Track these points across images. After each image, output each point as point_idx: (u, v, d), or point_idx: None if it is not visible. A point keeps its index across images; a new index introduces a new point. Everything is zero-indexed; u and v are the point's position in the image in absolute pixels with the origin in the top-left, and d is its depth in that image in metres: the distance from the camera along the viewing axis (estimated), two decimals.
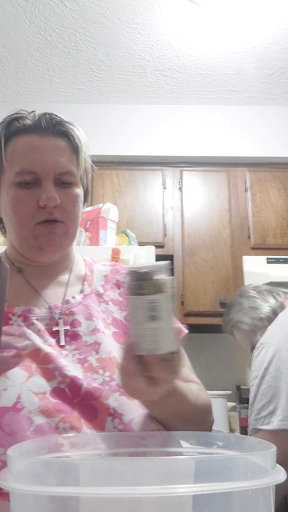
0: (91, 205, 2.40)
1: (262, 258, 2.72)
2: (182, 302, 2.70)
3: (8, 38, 2.55)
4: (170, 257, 2.84)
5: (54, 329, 0.85)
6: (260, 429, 1.26)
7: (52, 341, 0.84)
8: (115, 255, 2.15)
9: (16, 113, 0.91)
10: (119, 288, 0.98)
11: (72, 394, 0.76)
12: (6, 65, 2.76)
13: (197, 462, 0.47)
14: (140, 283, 0.62)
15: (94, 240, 2.25)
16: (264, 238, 2.84)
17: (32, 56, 2.68)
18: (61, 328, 0.85)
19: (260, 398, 1.30)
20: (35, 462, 0.51)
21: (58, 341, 0.84)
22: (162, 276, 0.62)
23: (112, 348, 0.86)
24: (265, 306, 1.60)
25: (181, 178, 2.97)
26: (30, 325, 0.84)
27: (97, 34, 2.53)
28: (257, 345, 1.41)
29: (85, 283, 0.95)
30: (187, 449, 0.67)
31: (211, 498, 0.46)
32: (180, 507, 0.45)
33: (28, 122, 0.90)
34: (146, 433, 0.74)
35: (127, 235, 2.46)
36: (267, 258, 2.71)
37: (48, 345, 0.82)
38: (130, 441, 0.69)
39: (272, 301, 1.62)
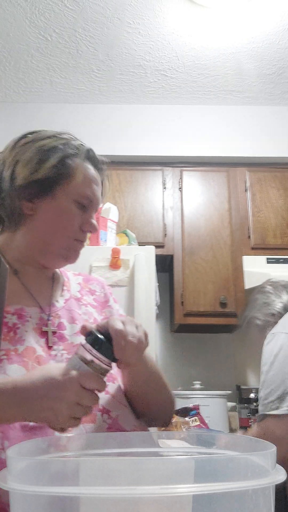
0: None
1: (262, 258, 2.72)
2: (182, 302, 2.70)
3: (8, 38, 2.55)
4: (170, 257, 2.85)
5: (44, 330, 0.89)
6: (268, 415, 1.26)
7: (42, 341, 0.88)
8: (115, 255, 2.15)
9: (82, 144, 0.98)
10: (92, 295, 1.06)
11: None
12: (6, 65, 2.76)
13: (197, 462, 0.47)
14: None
15: (94, 240, 2.25)
16: (264, 238, 2.83)
17: (32, 56, 2.68)
18: (50, 329, 0.90)
19: (268, 384, 1.31)
20: (35, 462, 0.51)
21: (47, 341, 0.88)
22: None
23: None
24: (278, 302, 1.60)
25: (181, 178, 2.96)
26: (25, 322, 0.88)
27: (97, 34, 2.53)
28: (268, 335, 1.43)
29: (64, 288, 1.02)
30: (187, 449, 0.67)
31: (211, 498, 0.46)
32: (180, 507, 0.45)
33: (92, 154, 0.99)
34: (145, 433, 0.74)
35: (127, 235, 2.46)
36: (267, 258, 2.71)
37: (39, 346, 0.86)
38: (130, 441, 0.70)
39: (285, 297, 1.61)
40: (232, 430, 2.55)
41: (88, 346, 0.74)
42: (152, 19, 2.42)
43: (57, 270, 1.04)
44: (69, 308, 0.97)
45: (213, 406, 2.44)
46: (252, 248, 2.81)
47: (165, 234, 2.83)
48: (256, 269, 2.68)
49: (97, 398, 0.72)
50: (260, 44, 2.60)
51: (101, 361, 0.73)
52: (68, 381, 0.69)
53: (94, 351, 0.73)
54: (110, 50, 2.65)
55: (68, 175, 0.92)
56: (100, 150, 2.97)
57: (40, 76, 2.86)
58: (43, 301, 0.94)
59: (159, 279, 2.43)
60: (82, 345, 0.74)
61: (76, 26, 2.47)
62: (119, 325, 0.76)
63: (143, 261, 2.15)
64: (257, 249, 2.80)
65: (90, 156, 0.96)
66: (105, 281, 1.14)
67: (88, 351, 0.73)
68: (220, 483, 0.44)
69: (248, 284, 2.67)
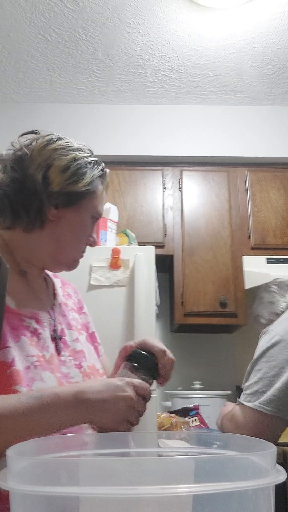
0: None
1: (262, 258, 2.72)
2: (182, 302, 2.70)
3: (8, 38, 2.55)
4: (170, 257, 2.85)
5: (53, 336, 0.92)
6: (242, 404, 1.38)
7: (53, 346, 0.90)
8: (115, 255, 2.15)
9: (100, 162, 1.03)
10: (70, 299, 1.08)
11: None
12: (6, 65, 2.76)
13: (197, 462, 0.47)
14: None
15: None
16: (264, 238, 2.83)
17: (32, 56, 2.68)
18: (57, 336, 0.92)
19: (250, 378, 1.41)
20: (35, 462, 0.51)
21: (56, 347, 0.91)
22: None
23: (90, 355, 0.97)
24: (282, 302, 1.66)
25: (181, 178, 2.96)
26: (43, 327, 0.90)
27: (97, 34, 2.53)
28: (263, 330, 1.51)
29: (55, 292, 1.03)
30: (187, 449, 0.67)
31: (211, 498, 0.46)
32: (180, 507, 0.45)
33: (106, 171, 1.04)
34: (145, 433, 0.74)
35: (127, 235, 2.45)
36: (267, 258, 2.71)
37: (54, 351, 0.90)
38: (130, 441, 0.70)
39: None
40: None
41: (134, 365, 0.82)
42: (152, 19, 2.42)
43: (47, 272, 1.05)
44: (63, 314, 1.00)
45: (213, 406, 2.44)
46: (252, 248, 2.81)
47: (165, 234, 2.83)
48: (256, 269, 2.68)
49: (145, 406, 0.79)
50: (260, 44, 2.60)
51: (147, 378, 0.82)
52: (126, 384, 0.77)
53: (140, 369, 0.82)
54: (110, 50, 2.65)
55: (93, 192, 0.97)
56: (100, 150, 2.98)
57: (40, 76, 2.86)
58: (48, 305, 0.97)
59: (159, 279, 2.43)
60: (129, 363, 0.83)
61: (76, 26, 2.47)
62: (161, 345, 0.87)
63: (143, 261, 2.15)
64: (257, 249, 2.80)
65: (105, 174, 1.01)
66: (78, 286, 1.19)
67: (134, 369, 0.81)
68: (220, 483, 0.44)
69: (248, 284, 2.68)
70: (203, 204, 2.91)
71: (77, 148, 0.97)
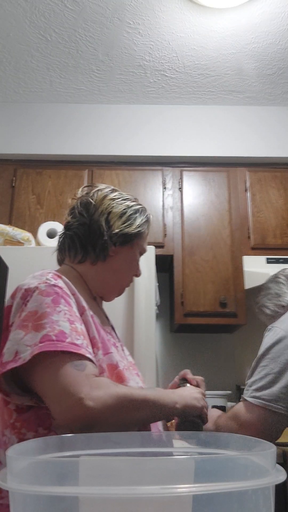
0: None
1: (262, 258, 2.72)
2: (182, 302, 2.70)
3: (8, 39, 2.55)
4: (170, 257, 2.85)
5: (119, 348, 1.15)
6: (247, 401, 1.37)
7: (124, 356, 1.16)
8: None
9: (145, 208, 1.26)
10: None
11: None
12: (6, 65, 2.76)
13: (197, 462, 0.47)
14: None
15: None
16: (264, 238, 2.83)
17: (32, 56, 2.68)
18: (120, 348, 1.17)
19: (255, 374, 1.40)
20: (35, 462, 0.51)
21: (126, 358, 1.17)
22: None
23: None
24: None
25: (181, 178, 2.96)
26: (115, 341, 1.14)
27: (97, 34, 2.53)
28: (268, 327, 1.49)
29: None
30: (187, 449, 0.67)
31: (211, 498, 0.46)
32: (180, 507, 0.45)
33: (150, 216, 1.27)
34: (145, 433, 0.74)
35: None
36: (267, 258, 2.71)
37: (128, 360, 1.17)
38: (130, 441, 0.70)
39: None
40: None
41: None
42: (152, 19, 2.42)
43: None
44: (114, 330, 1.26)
45: (213, 405, 2.44)
46: (252, 248, 2.81)
47: (165, 234, 2.83)
48: (256, 269, 2.68)
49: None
50: (260, 44, 2.60)
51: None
52: (199, 391, 1.08)
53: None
54: (110, 50, 2.65)
55: (142, 233, 1.20)
56: (100, 150, 2.97)
57: (40, 76, 2.86)
58: (108, 323, 1.21)
59: (159, 279, 2.43)
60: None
61: (76, 26, 2.47)
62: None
63: (143, 261, 2.14)
64: (257, 249, 2.80)
65: (149, 219, 1.23)
66: None
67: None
68: (220, 483, 0.44)
69: (248, 284, 2.67)
70: (203, 204, 2.90)
71: (128, 198, 1.20)
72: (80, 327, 0.94)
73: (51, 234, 2.47)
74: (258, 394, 1.35)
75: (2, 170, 2.94)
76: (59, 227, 2.47)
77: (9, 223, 2.76)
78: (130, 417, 0.88)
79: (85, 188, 1.23)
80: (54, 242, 2.42)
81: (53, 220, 2.63)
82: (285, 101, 3.08)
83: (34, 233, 2.51)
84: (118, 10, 2.36)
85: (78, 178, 2.94)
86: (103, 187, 1.21)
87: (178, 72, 2.82)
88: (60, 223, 2.52)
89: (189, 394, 1.03)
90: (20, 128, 3.01)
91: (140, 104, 3.12)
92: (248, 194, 2.92)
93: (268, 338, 1.44)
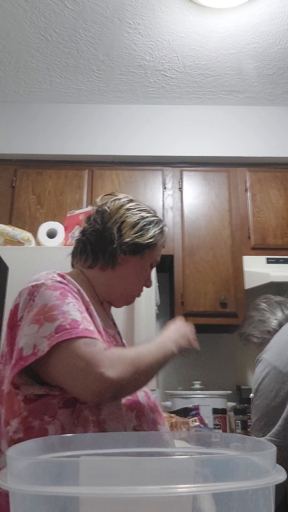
0: (91, 205, 2.40)
1: (262, 258, 2.72)
2: (182, 302, 2.70)
3: (8, 39, 2.55)
4: (170, 257, 2.85)
5: None
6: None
7: None
8: None
9: (161, 220, 1.27)
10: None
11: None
12: (6, 65, 2.76)
13: (197, 462, 0.47)
14: None
15: None
16: (264, 238, 2.83)
17: (32, 56, 2.69)
18: None
19: (255, 412, 1.40)
20: (35, 462, 0.51)
21: None
22: None
23: None
24: (273, 319, 1.65)
25: (181, 178, 2.96)
26: (118, 344, 1.18)
27: (97, 34, 2.53)
28: (257, 357, 1.48)
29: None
30: (187, 449, 0.67)
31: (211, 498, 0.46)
32: (180, 507, 0.45)
33: (165, 227, 1.29)
34: (144, 433, 0.74)
35: None
36: (267, 258, 2.71)
37: None
38: (130, 441, 0.70)
39: (279, 314, 1.67)
40: (232, 430, 2.55)
41: None
42: (152, 19, 2.42)
43: None
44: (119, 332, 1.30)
45: (213, 406, 2.44)
46: (252, 248, 2.81)
47: None
48: (256, 269, 2.68)
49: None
50: (261, 44, 2.60)
51: None
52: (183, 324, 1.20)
53: None
54: (110, 50, 2.65)
55: (154, 245, 1.21)
56: (100, 150, 2.97)
57: (40, 76, 2.86)
58: (114, 326, 1.24)
59: (159, 279, 2.43)
60: None
61: (76, 26, 2.47)
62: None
63: None
64: (257, 249, 2.80)
65: (164, 231, 1.24)
66: None
67: None
68: (220, 483, 0.44)
69: (248, 284, 2.67)
70: (203, 204, 2.90)
71: (144, 209, 1.22)
72: (89, 317, 0.99)
73: (51, 234, 2.47)
74: (260, 433, 1.34)
75: (2, 170, 2.94)
76: (59, 227, 2.47)
77: (9, 223, 2.76)
78: (144, 377, 0.96)
79: (105, 197, 1.27)
80: (54, 242, 2.42)
81: (53, 220, 2.63)
82: (285, 101, 3.09)
83: (34, 233, 2.51)
84: (118, 10, 2.36)
85: (78, 178, 2.94)
86: (121, 197, 1.25)
87: (178, 72, 2.82)
88: (60, 223, 2.52)
89: (179, 335, 1.13)
90: (20, 128, 3.01)
91: (140, 104, 3.12)
92: (248, 194, 2.92)
93: (258, 372, 1.43)
